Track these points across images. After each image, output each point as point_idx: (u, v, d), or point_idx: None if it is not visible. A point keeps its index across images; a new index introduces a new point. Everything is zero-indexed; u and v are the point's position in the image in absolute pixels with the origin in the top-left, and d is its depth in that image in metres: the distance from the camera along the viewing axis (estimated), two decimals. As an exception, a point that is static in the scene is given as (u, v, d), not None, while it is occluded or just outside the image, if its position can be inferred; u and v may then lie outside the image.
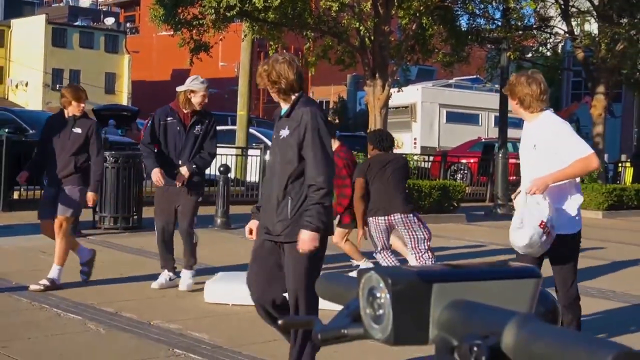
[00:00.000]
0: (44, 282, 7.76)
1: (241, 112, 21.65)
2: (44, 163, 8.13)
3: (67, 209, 7.89)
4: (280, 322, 1.62)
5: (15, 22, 68.84)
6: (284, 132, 4.86)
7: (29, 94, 61.25)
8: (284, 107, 4.97)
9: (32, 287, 7.69)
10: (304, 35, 19.04)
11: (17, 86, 64.17)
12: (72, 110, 8.05)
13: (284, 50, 18.83)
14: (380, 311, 1.26)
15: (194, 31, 18.26)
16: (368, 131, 9.64)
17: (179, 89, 8.11)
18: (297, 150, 4.81)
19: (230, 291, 7.45)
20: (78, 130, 8.03)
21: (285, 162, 4.84)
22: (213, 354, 5.84)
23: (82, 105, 8.13)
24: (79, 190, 7.95)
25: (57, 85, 65.43)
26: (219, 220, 12.93)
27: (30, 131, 17.50)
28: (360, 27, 17.81)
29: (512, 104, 5.66)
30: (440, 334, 1.22)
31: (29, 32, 65.70)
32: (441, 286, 1.24)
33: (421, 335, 1.24)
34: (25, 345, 5.97)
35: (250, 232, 5.18)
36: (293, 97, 4.91)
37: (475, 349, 1.10)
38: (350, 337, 1.35)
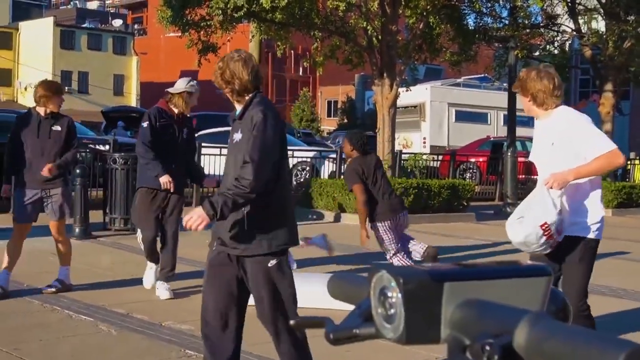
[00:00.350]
0: (55, 284, 7.79)
1: (249, 112, 21.64)
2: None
3: (61, 213, 7.75)
4: (292, 322, 1.62)
5: (23, 25, 69.04)
6: (237, 136, 4.47)
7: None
8: (238, 108, 4.58)
9: (45, 290, 7.72)
10: (311, 36, 19.04)
11: (25, 89, 64.37)
12: (52, 106, 7.69)
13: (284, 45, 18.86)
14: (392, 310, 1.27)
15: (202, 32, 18.28)
16: (347, 134, 9.65)
17: (173, 90, 7.84)
18: None
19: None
20: (58, 127, 7.71)
21: (237, 169, 4.40)
22: (224, 355, 5.84)
23: (63, 99, 7.87)
24: (67, 191, 7.85)
25: (66, 88, 65.68)
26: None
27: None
28: (368, 27, 17.80)
29: (524, 101, 5.13)
30: (452, 333, 1.23)
31: (37, 34, 65.89)
32: (452, 285, 1.25)
33: (433, 335, 1.25)
34: (37, 347, 6.00)
35: None
36: (247, 98, 4.53)
37: (487, 347, 1.11)
38: (362, 336, 1.36)
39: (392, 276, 1.26)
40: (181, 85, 7.83)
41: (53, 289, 7.72)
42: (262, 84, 4.71)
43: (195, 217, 4.28)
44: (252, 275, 4.44)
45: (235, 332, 4.53)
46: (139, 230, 8.14)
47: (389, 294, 1.27)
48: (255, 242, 4.38)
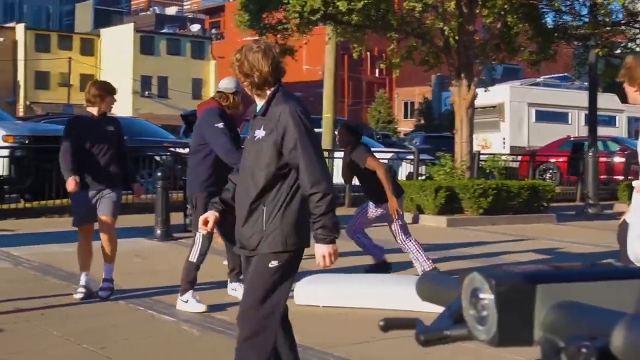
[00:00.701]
0: (107, 285, 7.66)
1: (327, 114, 21.76)
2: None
3: (115, 210, 7.68)
4: (381, 322, 1.61)
5: (104, 32, 70.62)
6: (260, 133, 4.26)
7: (119, 101, 62.65)
8: (259, 103, 4.35)
9: (101, 293, 7.61)
10: (387, 37, 19.00)
11: (107, 93, 65.71)
12: (104, 106, 7.59)
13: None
14: (484, 312, 1.27)
15: (279, 36, 18.40)
16: (343, 123, 9.46)
17: (226, 90, 7.38)
18: (276, 154, 4.21)
19: (320, 293, 7.51)
20: (111, 128, 7.64)
21: (261, 167, 4.23)
22: (304, 355, 5.85)
23: (115, 99, 7.75)
24: (120, 192, 7.79)
25: (146, 92, 66.95)
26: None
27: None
28: (445, 27, 17.68)
29: (629, 91, 4.82)
30: (546, 335, 1.22)
31: (118, 40, 67.30)
32: (545, 287, 1.24)
33: (526, 336, 1.25)
34: (122, 346, 6.13)
35: (205, 223, 4.53)
36: (268, 92, 4.30)
37: (584, 350, 1.09)
38: (453, 338, 1.36)
39: (485, 278, 1.26)
40: (232, 84, 7.40)
41: (108, 292, 7.63)
42: (283, 77, 4.43)
43: (326, 255, 4.22)
44: (251, 269, 4.33)
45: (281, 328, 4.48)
46: (197, 237, 7.40)
47: (481, 296, 1.27)
48: (273, 242, 4.22)
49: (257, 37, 18.65)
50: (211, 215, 4.52)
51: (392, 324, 1.56)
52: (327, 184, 4.17)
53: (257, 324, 4.24)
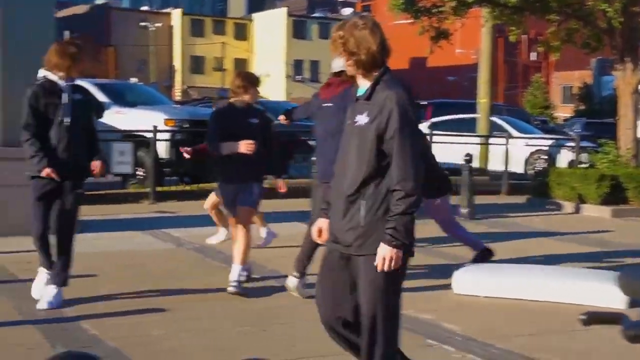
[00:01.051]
0: (235, 284, 7.27)
1: (483, 99, 21.40)
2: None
3: (253, 202, 7.52)
4: (582, 316, 1.53)
5: (257, 16, 72.07)
6: (362, 119, 3.94)
7: (272, 85, 63.93)
8: (363, 85, 4.02)
9: (230, 289, 7.22)
10: (546, 19, 18.47)
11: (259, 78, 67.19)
12: (248, 97, 7.45)
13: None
14: None
15: (434, 19, 18.21)
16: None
17: (342, 68, 6.02)
18: (377, 142, 3.90)
19: (480, 283, 7.34)
20: (255, 120, 7.49)
21: (361, 156, 3.94)
22: (465, 346, 5.75)
23: (259, 92, 7.65)
24: (260, 188, 7.60)
25: (299, 76, 67.91)
26: (464, 210, 12.77)
27: (275, 121, 18.21)
28: (608, 9, 17.02)
29: None
30: None
31: (271, 25, 68.55)
32: None
33: None
34: (281, 330, 6.19)
35: (320, 233, 4.24)
36: (375, 74, 3.97)
37: None
38: None
39: None
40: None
41: (234, 289, 7.21)
42: (389, 58, 4.06)
43: (386, 258, 3.86)
44: (361, 275, 4.00)
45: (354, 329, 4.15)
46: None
47: None
48: (370, 241, 3.92)
49: (411, 21, 18.55)
50: (325, 224, 4.21)
51: (594, 318, 1.48)
52: (415, 185, 3.85)
53: (379, 330, 3.99)
